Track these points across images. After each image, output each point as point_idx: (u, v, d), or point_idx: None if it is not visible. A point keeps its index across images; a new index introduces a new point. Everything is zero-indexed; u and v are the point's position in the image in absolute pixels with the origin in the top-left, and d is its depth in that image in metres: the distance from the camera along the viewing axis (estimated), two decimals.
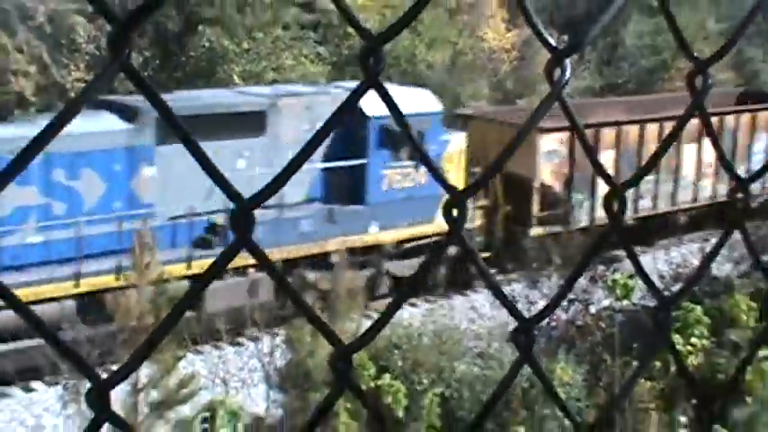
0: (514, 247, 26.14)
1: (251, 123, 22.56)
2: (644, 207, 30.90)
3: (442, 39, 38.58)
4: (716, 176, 32.37)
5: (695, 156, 31.77)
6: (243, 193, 1.37)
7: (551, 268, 22.34)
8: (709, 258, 2.28)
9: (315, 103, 23.46)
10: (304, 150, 1.40)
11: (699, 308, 19.01)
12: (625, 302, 20.07)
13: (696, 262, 22.82)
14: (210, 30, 32.04)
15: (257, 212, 1.38)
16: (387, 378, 16.17)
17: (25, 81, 29.27)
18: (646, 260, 23.64)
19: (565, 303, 19.26)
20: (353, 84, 22.08)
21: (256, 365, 18.51)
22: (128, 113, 20.91)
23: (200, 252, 20.92)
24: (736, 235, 2.06)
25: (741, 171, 2.10)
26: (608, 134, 29.70)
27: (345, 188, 24.10)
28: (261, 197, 1.35)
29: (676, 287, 21.43)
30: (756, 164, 32.89)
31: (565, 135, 28.24)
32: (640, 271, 1.95)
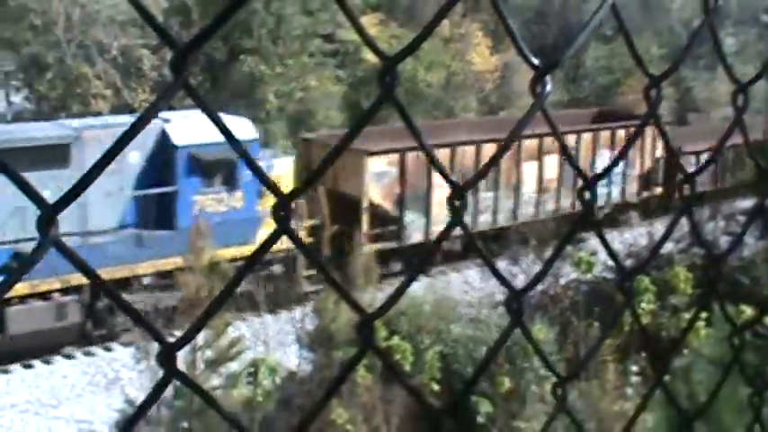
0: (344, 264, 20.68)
1: (56, 155, 19.91)
2: (484, 221, 27.67)
3: (437, 62, 38.57)
4: (558, 191, 29.60)
5: (536, 172, 29.02)
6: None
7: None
8: (662, 240, 2.27)
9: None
10: (109, 152, 1.24)
11: (647, 278, 19.01)
12: (588, 276, 20.11)
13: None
14: (250, 58, 32.08)
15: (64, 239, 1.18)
16: (396, 339, 16.15)
17: (103, 102, 29.37)
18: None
19: None
20: (168, 114, 20.94)
21: (290, 330, 18.51)
22: None
23: None
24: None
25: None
26: (466, 151, 26.71)
27: (157, 214, 21.65)
28: (64, 202, 1.21)
29: (628, 262, 21.46)
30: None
31: (395, 157, 25.74)
32: (609, 250, 1.93)
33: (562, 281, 20.81)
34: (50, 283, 19.08)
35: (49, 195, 1.09)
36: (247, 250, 20.22)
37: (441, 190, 24.59)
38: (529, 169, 28.88)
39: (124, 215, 21.45)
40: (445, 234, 1.64)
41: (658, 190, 32.13)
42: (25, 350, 20.10)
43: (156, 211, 21.67)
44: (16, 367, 20.19)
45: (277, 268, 23.10)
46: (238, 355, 15.38)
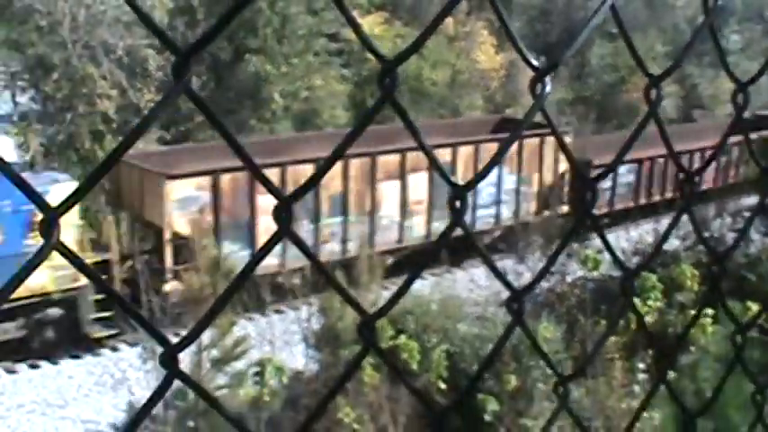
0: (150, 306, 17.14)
1: None
2: (330, 251, 23.65)
3: (443, 61, 38.53)
4: (429, 214, 25.73)
5: (398, 193, 25.19)
6: None
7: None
8: (663, 239, 2.27)
9: None
10: (109, 157, 1.33)
11: (653, 276, 19.01)
12: (595, 273, 20.11)
13: None
14: (255, 57, 32.05)
15: None
16: (403, 338, 16.16)
17: (108, 102, 29.35)
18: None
19: (547, 275, 19.22)
20: None
21: (296, 329, 18.51)
22: None
23: None
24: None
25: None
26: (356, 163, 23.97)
27: None
28: (66, 205, 1.19)
29: (634, 260, 21.44)
30: (487, 192, 26.96)
31: (205, 180, 21.68)
32: (609, 249, 1.94)
33: (569, 279, 20.81)
34: None
35: None
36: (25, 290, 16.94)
37: (267, 217, 20.16)
38: (389, 190, 25.20)
39: None
40: (447, 235, 1.65)
41: (564, 208, 27.89)
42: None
43: None
44: (23, 367, 20.21)
45: (55, 311, 20.35)
46: (244, 354, 15.39)
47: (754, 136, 28.04)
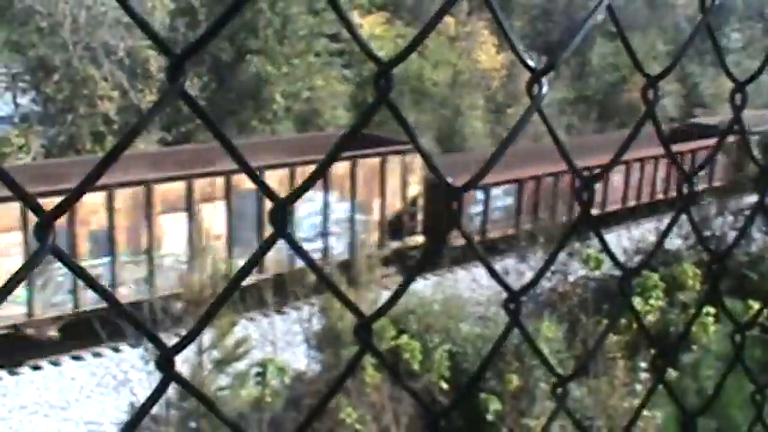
0: None
1: None
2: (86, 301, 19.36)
3: (444, 61, 38.55)
4: (229, 250, 21.45)
5: (185, 227, 20.91)
6: None
7: None
8: (661, 240, 2.28)
9: None
10: (104, 161, 1.33)
11: (655, 275, 19.03)
12: (596, 273, 20.11)
13: None
14: (256, 58, 32.07)
15: None
16: (405, 338, 16.16)
17: (109, 104, 29.39)
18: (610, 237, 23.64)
19: (548, 274, 19.24)
20: None
21: (298, 330, 18.51)
22: None
23: None
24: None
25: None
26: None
27: None
28: (61, 209, 1.21)
29: (636, 258, 21.44)
30: (309, 223, 22.78)
31: None
32: (607, 250, 1.94)
33: (571, 278, 20.81)
34: None
35: None
36: None
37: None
38: (171, 224, 21.01)
39: None
40: (446, 235, 1.65)
41: (417, 239, 24.74)
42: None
43: None
44: (25, 369, 20.22)
45: None
46: (245, 355, 15.39)
47: (729, 140, 27.65)
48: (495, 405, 15.66)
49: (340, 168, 22.95)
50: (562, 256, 19.26)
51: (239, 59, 32.29)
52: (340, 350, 16.01)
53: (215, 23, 1.28)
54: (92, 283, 1.27)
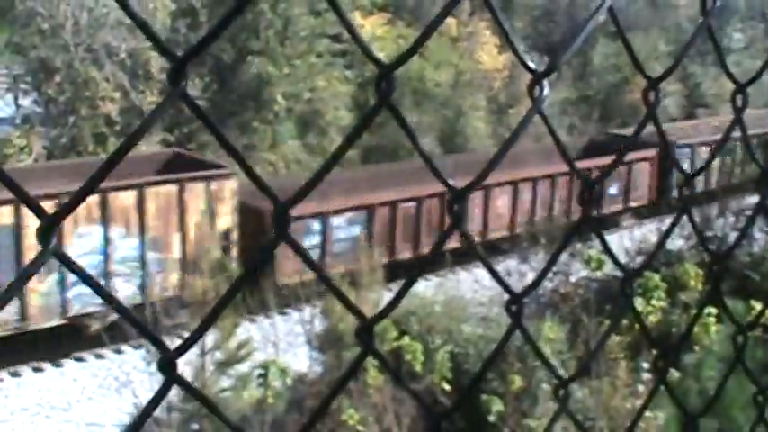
0: None
1: None
2: None
3: (445, 62, 38.54)
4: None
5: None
6: None
7: None
8: (662, 241, 2.28)
9: None
10: (105, 164, 1.34)
11: (657, 275, 18.99)
12: (598, 273, 20.09)
13: None
14: (258, 59, 32.07)
15: None
16: (406, 339, 16.14)
17: (111, 105, 29.39)
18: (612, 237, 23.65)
19: (550, 275, 19.24)
20: None
21: (300, 331, 18.51)
22: None
23: None
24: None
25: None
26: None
27: None
28: (64, 212, 1.23)
29: (638, 259, 21.44)
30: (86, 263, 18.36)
31: None
32: (608, 251, 1.94)
33: (573, 279, 20.80)
34: None
35: None
36: None
37: None
38: None
39: None
40: (446, 236, 1.65)
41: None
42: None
43: None
44: (26, 370, 20.22)
45: None
46: (247, 356, 15.39)
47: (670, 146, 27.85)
48: (497, 406, 15.65)
49: (123, 199, 19.98)
50: (564, 256, 19.28)
51: (241, 60, 32.29)
52: (342, 351, 16.00)
53: (216, 26, 1.28)
54: (95, 286, 1.27)
